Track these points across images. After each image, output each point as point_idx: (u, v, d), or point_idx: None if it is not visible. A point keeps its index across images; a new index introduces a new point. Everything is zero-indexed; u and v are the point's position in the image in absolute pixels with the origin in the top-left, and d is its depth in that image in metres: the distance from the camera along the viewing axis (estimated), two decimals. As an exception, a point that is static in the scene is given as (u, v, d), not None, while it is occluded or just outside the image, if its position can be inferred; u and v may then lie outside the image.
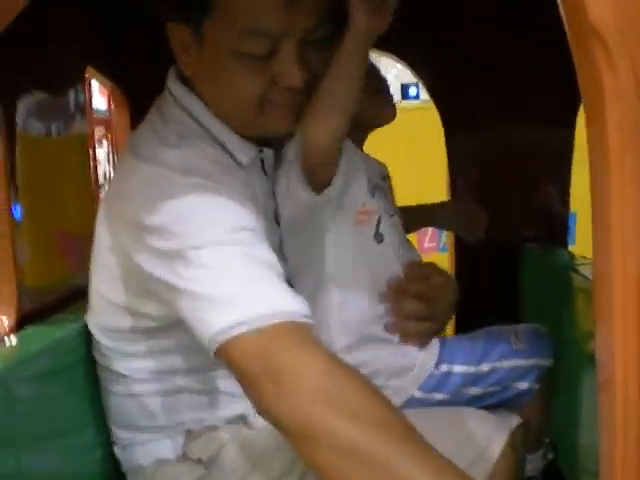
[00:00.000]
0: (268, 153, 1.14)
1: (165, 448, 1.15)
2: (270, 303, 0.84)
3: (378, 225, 1.23)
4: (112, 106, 1.98)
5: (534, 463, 1.41)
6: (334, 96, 1.02)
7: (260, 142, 1.12)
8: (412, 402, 1.25)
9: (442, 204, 1.71)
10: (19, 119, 1.26)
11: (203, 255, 0.87)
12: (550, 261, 1.74)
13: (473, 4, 1.72)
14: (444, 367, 1.27)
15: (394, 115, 1.32)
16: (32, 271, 1.30)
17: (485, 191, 1.90)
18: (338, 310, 1.21)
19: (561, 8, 0.58)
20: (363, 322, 1.23)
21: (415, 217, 1.57)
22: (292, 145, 1.11)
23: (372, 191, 1.25)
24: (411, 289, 1.25)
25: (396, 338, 1.25)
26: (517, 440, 1.24)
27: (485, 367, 1.28)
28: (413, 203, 1.61)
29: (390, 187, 1.38)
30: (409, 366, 1.25)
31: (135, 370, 1.14)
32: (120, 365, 1.15)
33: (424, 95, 3.90)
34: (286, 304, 0.85)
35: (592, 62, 0.55)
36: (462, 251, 1.94)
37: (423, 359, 1.26)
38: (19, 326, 1.22)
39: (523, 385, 1.32)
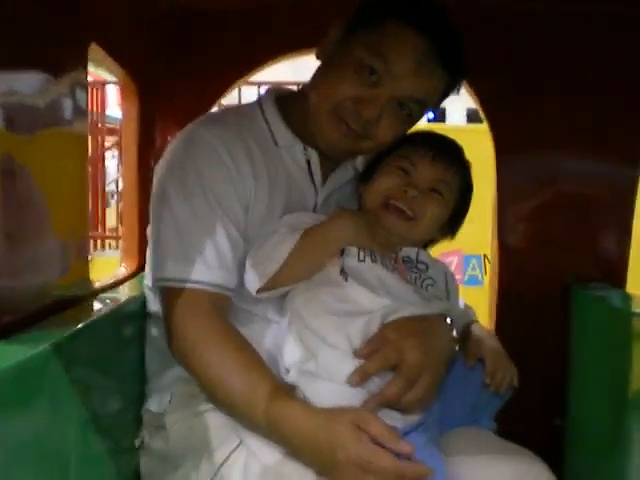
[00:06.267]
0: (312, 153, 1.23)
1: None
2: (198, 271, 1.12)
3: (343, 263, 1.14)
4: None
5: None
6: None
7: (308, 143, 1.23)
8: None
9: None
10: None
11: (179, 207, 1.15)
12: (606, 303, 1.54)
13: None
14: None
15: None
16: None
17: (535, 223, 1.75)
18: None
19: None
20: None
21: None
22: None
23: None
24: (370, 369, 1.04)
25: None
26: None
27: None
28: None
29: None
30: None
31: None
32: None
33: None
34: (208, 275, 1.13)
35: None
36: (504, 291, 1.75)
37: None
38: None
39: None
